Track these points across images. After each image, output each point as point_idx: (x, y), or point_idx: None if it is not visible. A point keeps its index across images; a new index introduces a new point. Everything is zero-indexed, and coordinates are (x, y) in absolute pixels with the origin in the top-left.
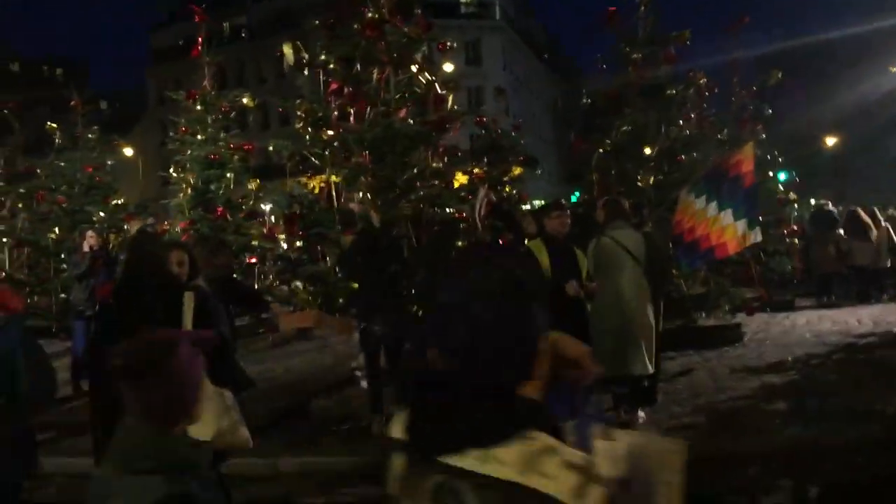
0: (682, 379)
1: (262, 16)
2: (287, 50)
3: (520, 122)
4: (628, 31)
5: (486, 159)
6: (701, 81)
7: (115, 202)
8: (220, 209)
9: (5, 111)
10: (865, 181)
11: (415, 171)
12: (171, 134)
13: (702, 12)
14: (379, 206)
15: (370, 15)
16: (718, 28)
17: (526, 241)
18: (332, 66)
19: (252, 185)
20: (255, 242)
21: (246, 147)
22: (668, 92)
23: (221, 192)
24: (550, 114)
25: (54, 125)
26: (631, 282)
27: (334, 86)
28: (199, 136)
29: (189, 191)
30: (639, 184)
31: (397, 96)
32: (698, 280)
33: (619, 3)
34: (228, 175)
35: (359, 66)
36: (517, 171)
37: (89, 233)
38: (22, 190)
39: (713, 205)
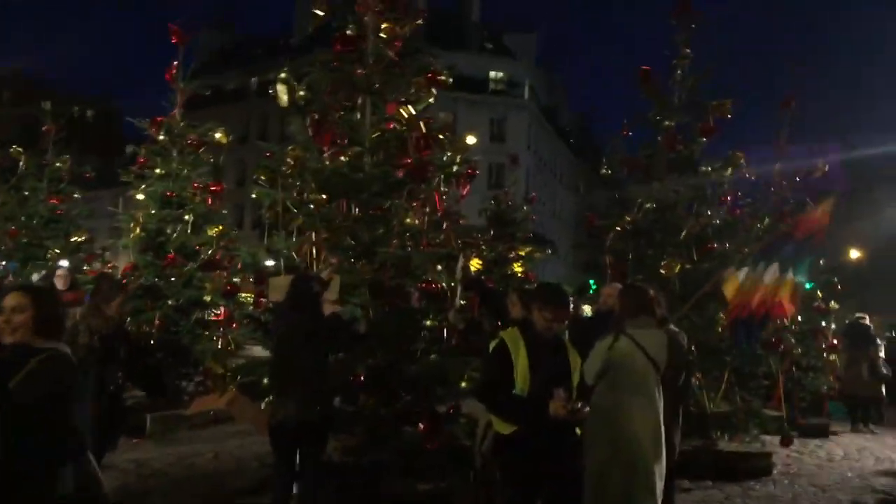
0: None
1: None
2: (280, 87)
3: (534, 196)
4: (663, 97)
5: (492, 233)
6: (741, 161)
7: (74, 239)
8: (171, 255)
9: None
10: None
11: (382, 227)
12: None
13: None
14: (329, 267)
15: (347, 31)
16: (764, 108)
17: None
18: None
19: (212, 232)
20: (206, 298)
21: (213, 187)
22: (703, 169)
23: (175, 236)
24: (572, 197)
25: (20, 149)
26: (649, 400)
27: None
28: (157, 171)
29: (138, 230)
30: (661, 272)
31: (374, 135)
32: (720, 394)
33: (658, 65)
34: (186, 218)
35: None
36: (524, 250)
37: (60, 271)
38: None
39: (772, 269)
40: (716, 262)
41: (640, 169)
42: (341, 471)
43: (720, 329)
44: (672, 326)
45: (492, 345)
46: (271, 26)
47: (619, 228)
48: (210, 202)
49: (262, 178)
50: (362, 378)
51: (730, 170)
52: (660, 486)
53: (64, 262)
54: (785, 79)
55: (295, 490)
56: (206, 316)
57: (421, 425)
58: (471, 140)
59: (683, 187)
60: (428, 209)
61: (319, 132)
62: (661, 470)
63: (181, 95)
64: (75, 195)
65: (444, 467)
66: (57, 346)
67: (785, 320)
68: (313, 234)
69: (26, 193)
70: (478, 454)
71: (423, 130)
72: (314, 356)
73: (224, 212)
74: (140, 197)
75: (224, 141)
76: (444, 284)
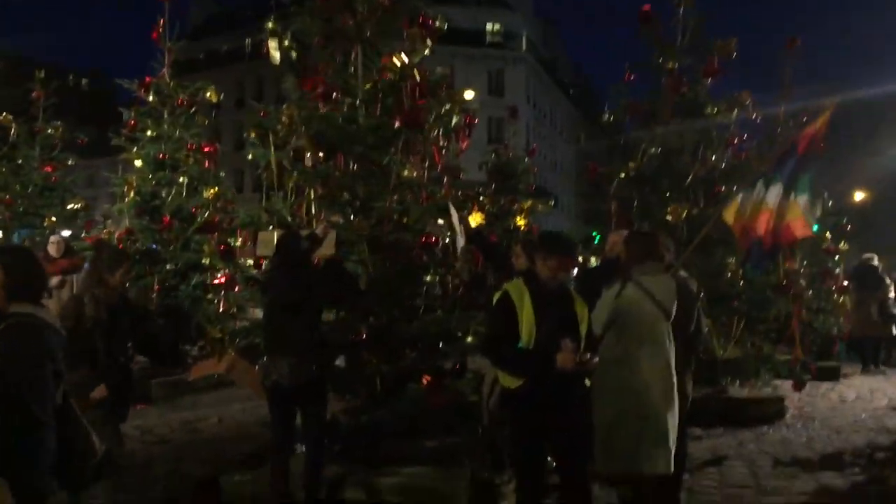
0: (713, 472)
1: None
2: (271, 43)
3: (534, 148)
4: (665, 38)
5: (493, 186)
6: (747, 102)
7: (71, 206)
8: (167, 219)
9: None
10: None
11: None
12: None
13: (749, 30)
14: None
15: None
16: (767, 47)
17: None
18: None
19: (208, 194)
20: (205, 261)
21: (206, 148)
22: (708, 111)
23: (170, 199)
24: (572, 149)
25: (9, 116)
26: (658, 349)
27: (326, 94)
28: (148, 133)
29: (132, 195)
30: (667, 218)
31: (367, 86)
32: (732, 340)
33: (658, 7)
34: (181, 180)
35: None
36: (527, 202)
37: (53, 237)
38: None
39: (775, 190)
40: (723, 205)
41: (644, 114)
42: (344, 431)
43: (729, 274)
44: (682, 272)
45: (495, 297)
46: None
47: (622, 175)
48: (207, 164)
49: (253, 136)
50: (364, 336)
51: (735, 111)
52: (672, 436)
53: (66, 233)
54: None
55: (299, 450)
56: (206, 279)
57: (424, 382)
58: (469, 94)
59: (688, 131)
60: (427, 163)
61: (308, 84)
62: (673, 420)
63: (169, 55)
64: (69, 162)
65: (451, 424)
66: (27, 311)
67: (795, 247)
68: (311, 192)
69: (20, 162)
70: (485, 410)
71: (418, 79)
72: (306, 314)
73: (222, 174)
74: (138, 163)
75: (214, 99)
76: (444, 238)
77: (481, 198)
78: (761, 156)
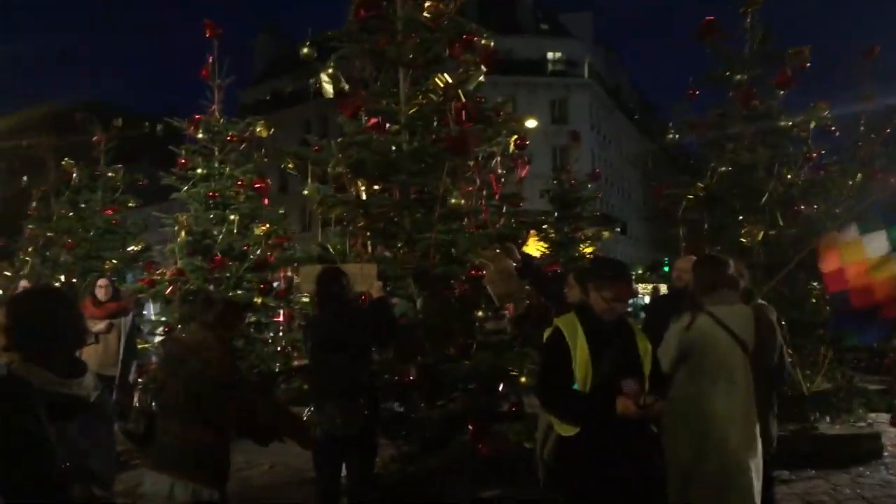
0: None
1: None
2: (324, 77)
3: (598, 171)
4: (730, 50)
5: (556, 214)
6: (825, 113)
7: (132, 248)
8: (219, 258)
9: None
10: None
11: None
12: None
13: (821, 37)
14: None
15: None
16: (844, 53)
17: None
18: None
19: (260, 230)
20: (258, 300)
21: (257, 185)
22: (782, 124)
23: (221, 237)
24: (639, 176)
25: (72, 161)
26: (735, 386)
27: (372, 120)
28: (199, 171)
29: (183, 234)
30: (742, 241)
31: (411, 111)
32: (820, 372)
33: (722, 18)
34: (232, 217)
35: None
36: (591, 230)
37: (101, 281)
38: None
39: (878, 238)
40: (804, 226)
41: (712, 130)
42: (390, 482)
43: (813, 300)
44: (759, 300)
45: (545, 334)
46: (327, 25)
47: (691, 197)
48: (265, 201)
49: (290, 167)
50: (412, 377)
51: (813, 122)
52: (757, 485)
53: (129, 276)
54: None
55: None
56: (260, 318)
57: (470, 427)
58: (531, 123)
59: (761, 146)
60: (485, 192)
61: (348, 110)
62: (757, 465)
63: (218, 91)
64: (130, 204)
65: (502, 475)
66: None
67: None
68: (357, 225)
69: (82, 206)
70: (540, 461)
71: (463, 99)
72: (354, 354)
73: (281, 211)
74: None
75: (264, 135)
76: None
77: (544, 226)
78: (844, 171)
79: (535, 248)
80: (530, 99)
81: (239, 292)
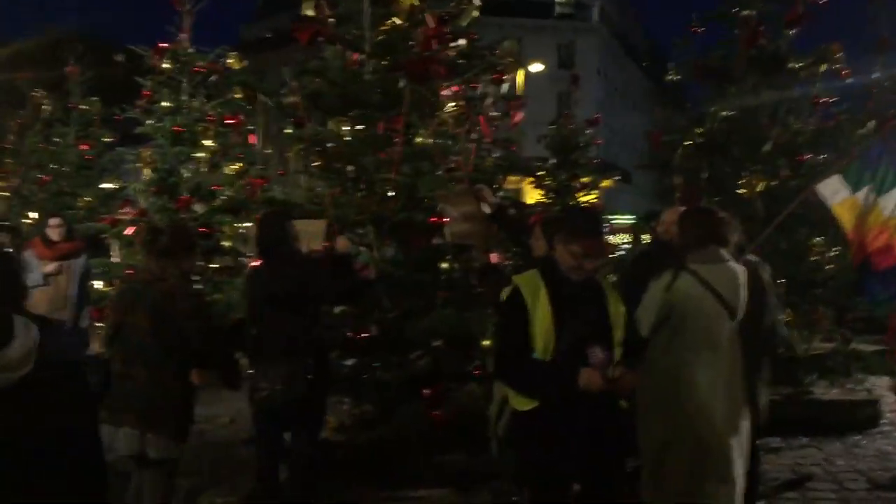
0: (794, 497)
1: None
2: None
3: (598, 118)
4: None
5: (553, 161)
6: (837, 55)
7: (106, 186)
8: (185, 197)
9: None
10: None
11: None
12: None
13: None
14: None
15: None
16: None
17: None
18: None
19: (231, 169)
20: (225, 243)
21: (229, 121)
22: (791, 66)
23: (188, 175)
24: (648, 123)
25: (43, 92)
26: (720, 355)
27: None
28: (164, 104)
29: (147, 171)
30: (741, 192)
31: (379, 37)
32: (817, 333)
33: None
34: (200, 156)
35: None
36: (589, 177)
37: (52, 220)
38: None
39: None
40: (808, 176)
41: (715, 72)
42: (340, 451)
43: (813, 258)
44: (750, 256)
45: (503, 294)
46: None
47: (688, 143)
48: (252, 139)
49: (239, 96)
50: (369, 335)
51: (823, 66)
52: (739, 467)
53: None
54: None
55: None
56: (229, 263)
57: (425, 392)
58: (536, 67)
59: (766, 90)
60: (473, 135)
61: (303, 34)
62: (740, 445)
63: (188, 18)
64: (104, 139)
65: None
66: None
67: None
68: (312, 164)
69: (56, 140)
70: (494, 436)
71: (432, 24)
72: (301, 314)
73: (268, 151)
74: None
75: (237, 66)
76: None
77: (539, 173)
78: (854, 120)
79: (532, 195)
80: (535, 42)
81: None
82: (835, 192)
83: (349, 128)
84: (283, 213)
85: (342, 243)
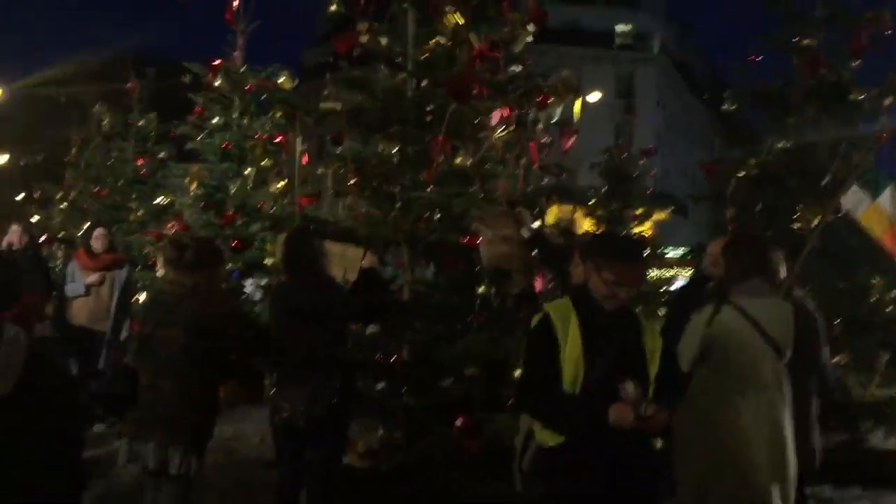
0: None
1: None
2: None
3: (652, 148)
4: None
5: (604, 190)
6: None
7: (159, 201)
8: (230, 214)
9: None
10: None
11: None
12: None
13: None
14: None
15: None
16: None
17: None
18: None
19: (275, 187)
20: (267, 261)
21: (277, 139)
22: (854, 97)
23: (235, 191)
24: (707, 157)
25: (104, 107)
26: (764, 395)
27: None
28: (214, 120)
29: (194, 187)
30: (795, 226)
31: (424, 56)
32: (875, 378)
33: None
34: (247, 172)
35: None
36: (642, 208)
37: (97, 231)
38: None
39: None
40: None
41: (772, 101)
42: (358, 478)
43: (872, 298)
44: (798, 292)
45: (532, 320)
46: None
47: (742, 175)
48: (305, 160)
49: (279, 116)
50: (398, 358)
51: (889, 99)
52: None
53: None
54: None
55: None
56: (271, 281)
57: (461, 420)
58: (594, 96)
59: (826, 122)
60: (523, 161)
61: (341, 46)
62: (785, 493)
63: (242, 37)
64: (161, 154)
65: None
66: None
67: None
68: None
69: (114, 154)
70: (517, 472)
71: (476, 45)
72: (327, 332)
73: (319, 171)
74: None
75: (288, 86)
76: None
77: (589, 202)
78: None
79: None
80: (595, 72)
81: (249, 252)
82: (858, 202)
83: (388, 145)
84: (311, 230)
85: (368, 258)
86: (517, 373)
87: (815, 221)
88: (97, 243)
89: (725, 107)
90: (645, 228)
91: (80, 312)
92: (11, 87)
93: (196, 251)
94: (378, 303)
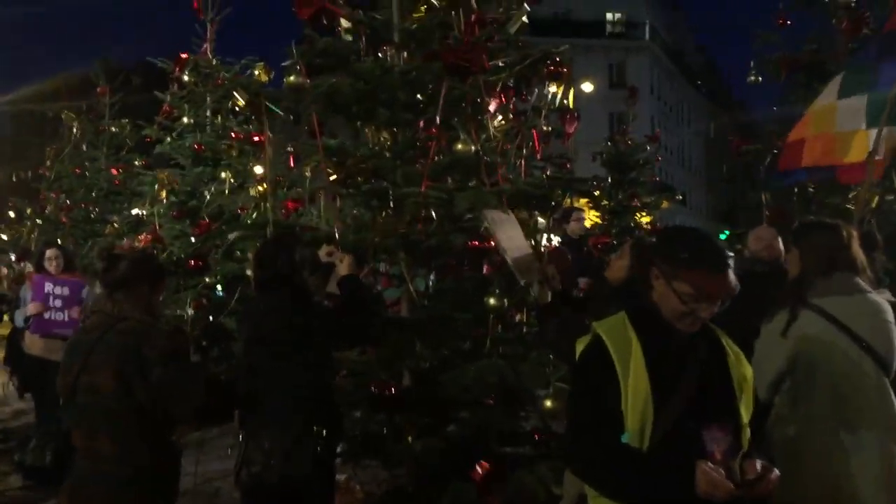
0: None
1: None
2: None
3: (657, 134)
4: None
5: (609, 179)
6: None
7: (136, 211)
8: (205, 221)
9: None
10: None
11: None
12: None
13: None
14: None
15: None
16: None
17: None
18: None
19: (255, 191)
20: (249, 272)
21: (256, 138)
22: None
23: (210, 198)
24: (702, 145)
25: (72, 115)
26: (867, 416)
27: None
28: (184, 119)
29: (164, 194)
30: (848, 206)
31: (413, 26)
32: None
33: None
34: (223, 175)
35: None
36: (648, 197)
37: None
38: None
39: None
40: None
41: (805, 68)
42: None
43: None
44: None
45: (579, 347)
46: None
47: (776, 153)
48: (291, 163)
49: (240, 104)
50: (395, 390)
51: None
52: None
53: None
54: None
55: None
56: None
57: (479, 469)
58: (587, 87)
59: None
60: (524, 150)
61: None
62: None
63: (211, 28)
64: (136, 163)
65: None
66: None
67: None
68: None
69: (86, 164)
70: None
71: (474, 5)
72: (302, 363)
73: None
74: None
75: (264, 79)
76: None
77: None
78: None
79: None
80: (586, 61)
81: (229, 263)
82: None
83: (375, 134)
84: (288, 239)
85: (346, 263)
86: (548, 403)
87: (874, 201)
88: (51, 265)
89: (750, 79)
90: (649, 219)
91: (34, 344)
92: None
93: (130, 265)
94: (368, 321)
